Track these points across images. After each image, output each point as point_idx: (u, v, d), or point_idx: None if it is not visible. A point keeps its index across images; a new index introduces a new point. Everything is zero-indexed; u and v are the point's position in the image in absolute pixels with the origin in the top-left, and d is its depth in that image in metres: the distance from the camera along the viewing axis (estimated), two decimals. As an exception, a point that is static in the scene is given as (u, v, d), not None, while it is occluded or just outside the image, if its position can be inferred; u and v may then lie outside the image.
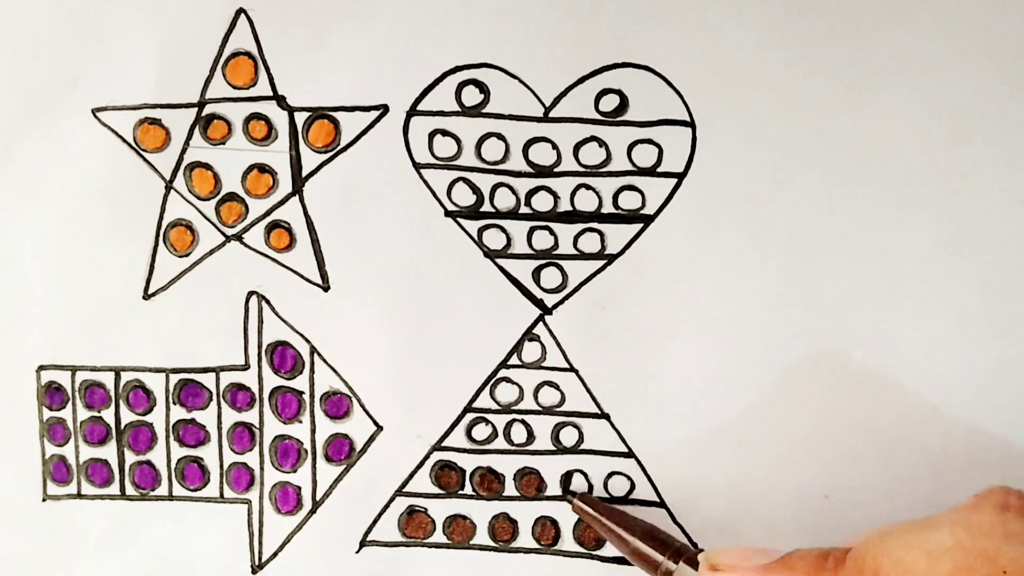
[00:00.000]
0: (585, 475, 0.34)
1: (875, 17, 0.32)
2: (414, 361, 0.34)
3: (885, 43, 0.32)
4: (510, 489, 0.34)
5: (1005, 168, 0.32)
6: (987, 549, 0.24)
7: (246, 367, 0.34)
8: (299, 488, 0.34)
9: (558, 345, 0.34)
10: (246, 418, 0.35)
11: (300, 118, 0.34)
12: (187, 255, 0.34)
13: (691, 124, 0.33)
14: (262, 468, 0.35)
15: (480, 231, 0.34)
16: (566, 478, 0.34)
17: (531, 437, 0.34)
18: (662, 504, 0.33)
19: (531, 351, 0.34)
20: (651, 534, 0.31)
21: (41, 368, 0.35)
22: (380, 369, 0.34)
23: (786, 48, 0.32)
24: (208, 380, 0.35)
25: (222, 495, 0.35)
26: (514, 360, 0.34)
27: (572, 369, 0.34)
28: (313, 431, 0.34)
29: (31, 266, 0.35)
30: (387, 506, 0.34)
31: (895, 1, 0.32)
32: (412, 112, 0.33)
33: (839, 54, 0.32)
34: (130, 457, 0.35)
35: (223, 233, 0.34)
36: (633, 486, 0.34)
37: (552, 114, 0.33)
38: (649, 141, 0.33)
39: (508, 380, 0.34)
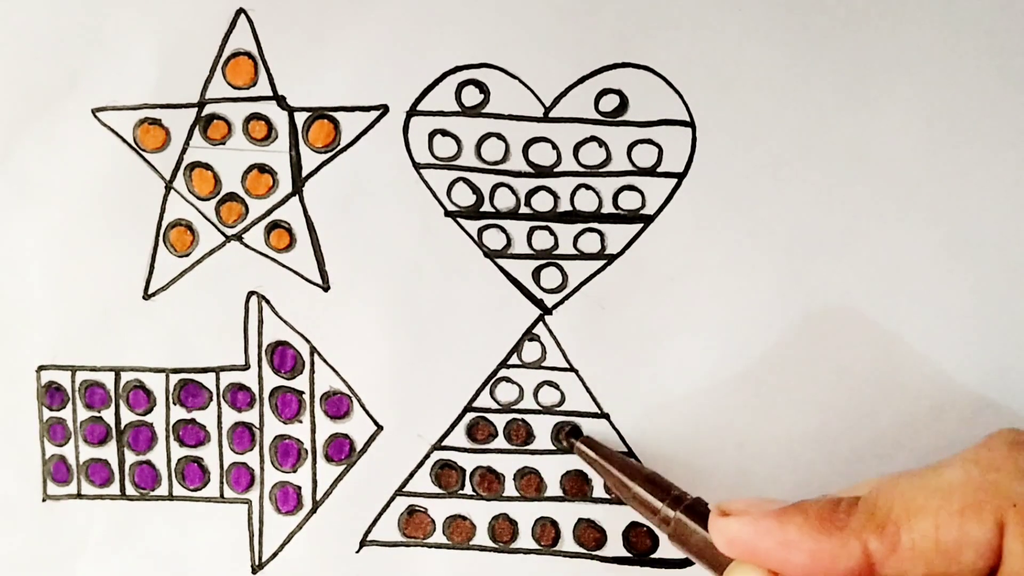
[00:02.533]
0: (518, 385, 0.34)
1: (875, 17, 0.32)
2: (414, 361, 0.34)
3: (885, 43, 0.32)
4: (510, 489, 0.34)
5: (1005, 168, 0.32)
6: (998, 483, 0.24)
7: (246, 367, 0.34)
8: (299, 488, 0.34)
9: (558, 345, 0.34)
10: (246, 418, 0.35)
11: (300, 118, 0.34)
12: (187, 255, 0.34)
13: (691, 124, 0.33)
14: (262, 468, 0.35)
15: (480, 231, 0.34)
16: (559, 429, 0.34)
17: (531, 437, 0.34)
18: (662, 504, 0.33)
19: (531, 351, 0.34)
20: (652, 480, 0.31)
21: (41, 368, 0.35)
22: (380, 369, 0.34)
23: (786, 48, 0.33)
24: (208, 380, 0.35)
25: (222, 495, 0.35)
26: (514, 360, 0.34)
27: (572, 369, 0.34)
28: (313, 431, 0.34)
29: (31, 266, 0.35)
30: (387, 506, 0.34)
31: (895, 1, 0.32)
32: (412, 112, 0.33)
33: (839, 54, 0.32)
34: (130, 457, 0.35)
35: (223, 233, 0.34)
36: (633, 486, 0.34)
37: (552, 114, 0.33)
38: (649, 141, 0.33)
39: (508, 380, 0.34)
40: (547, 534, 0.34)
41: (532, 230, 0.34)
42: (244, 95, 0.34)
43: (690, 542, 0.29)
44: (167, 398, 0.35)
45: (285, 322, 0.34)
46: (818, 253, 0.33)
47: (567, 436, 0.33)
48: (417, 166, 0.34)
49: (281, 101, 0.34)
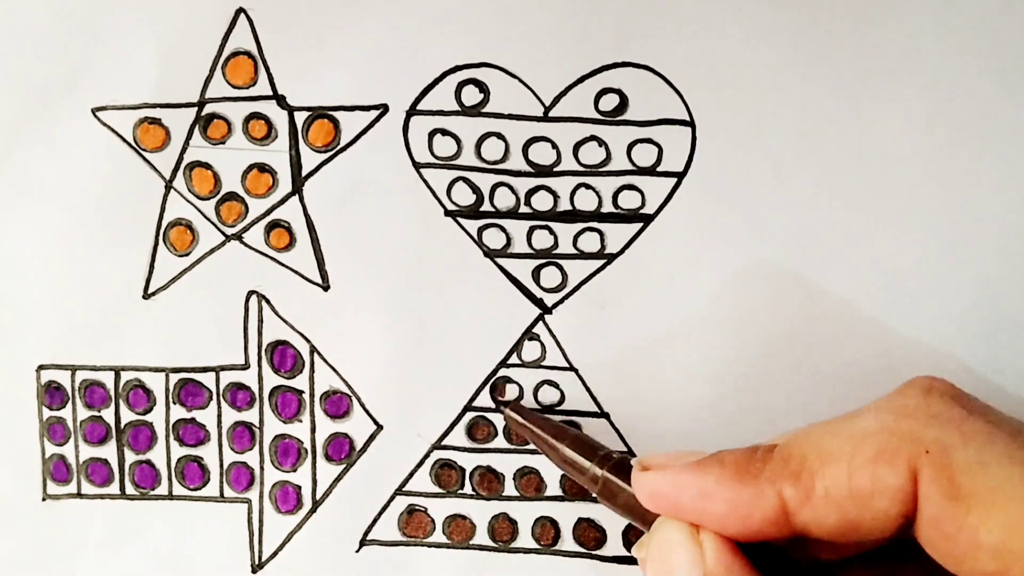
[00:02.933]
0: (518, 384, 0.34)
1: (875, 17, 0.32)
2: (414, 360, 0.34)
3: (885, 43, 0.32)
4: (510, 489, 0.34)
5: (1005, 168, 0.32)
6: (912, 430, 0.24)
7: (246, 366, 0.34)
8: (299, 487, 0.34)
9: (558, 344, 0.34)
10: (246, 417, 0.35)
11: (300, 118, 0.34)
12: (187, 255, 0.34)
13: (691, 124, 0.33)
14: (262, 467, 0.35)
15: (480, 230, 0.34)
16: (495, 387, 0.34)
17: (531, 437, 0.34)
18: (662, 504, 0.33)
19: (531, 350, 0.34)
20: (579, 440, 0.30)
21: (41, 367, 0.35)
22: (380, 368, 0.34)
23: (786, 48, 0.32)
24: (208, 379, 0.35)
25: (222, 494, 0.35)
26: (514, 359, 0.34)
27: (572, 368, 0.34)
28: (313, 430, 0.34)
29: (31, 266, 0.35)
30: (387, 505, 0.34)
31: (895, 1, 0.32)
32: (412, 112, 0.33)
33: (839, 54, 0.32)
34: (130, 456, 0.35)
35: (223, 233, 0.34)
36: (633, 486, 0.34)
37: (552, 114, 0.33)
38: (649, 140, 0.33)
39: (508, 379, 0.34)
40: (547, 534, 0.34)
41: (532, 229, 0.34)
42: (244, 95, 0.34)
43: (618, 499, 0.29)
44: (167, 397, 0.35)
45: (285, 321, 0.34)
46: (818, 253, 0.33)
47: (500, 402, 0.33)
48: (417, 165, 0.34)
49: (281, 100, 0.34)
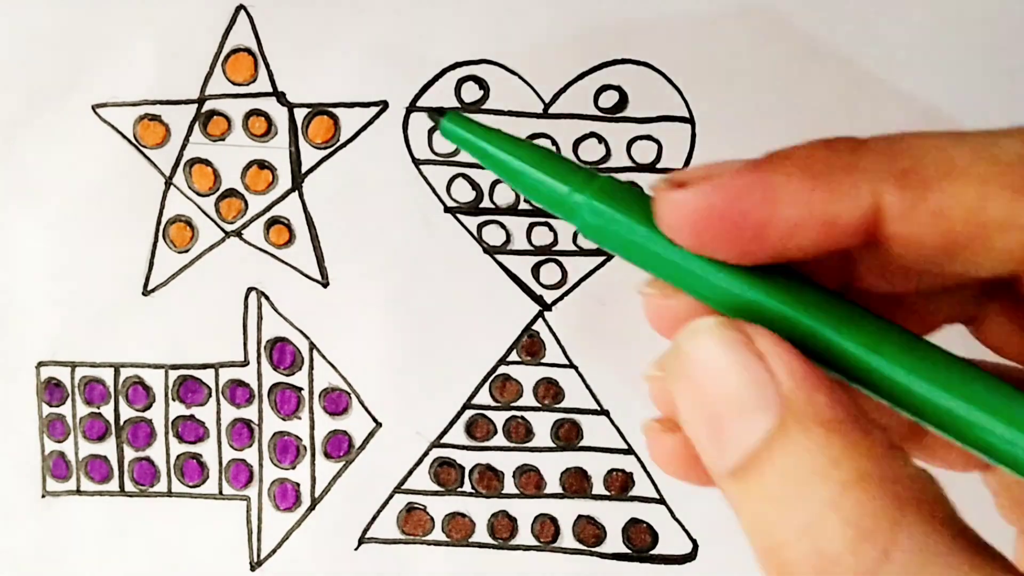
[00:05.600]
0: (518, 382, 0.34)
1: (875, 16, 0.32)
2: (413, 357, 0.34)
3: (885, 43, 0.32)
4: (509, 486, 0.34)
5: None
6: None
7: (245, 363, 0.34)
8: (298, 485, 0.34)
9: (557, 341, 0.34)
10: (245, 414, 0.35)
11: (300, 114, 0.34)
12: (187, 251, 0.34)
13: (690, 120, 0.33)
14: (261, 464, 0.35)
15: (480, 227, 0.34)
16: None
17: (530, 434, 0.34)
18: (662, 501, 0.33)
19: (530, 347, 0.34)
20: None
21: (40, 364, 0.35)
22: (379, 365, 0.34)
23: (786, 46, 0.32)
24: (207, 376, 0.35)
25: (221, 491, 0.35)
26: (513, 356, 0.34)
27: (571, 365, 0.34)
28: (312, 427, 0.34)
29: (31, 262, 0.35)
30: (386, 503, 0.34)
31: (895, 1, 0.32)
32: (412, 108, 0.33)
33: (839, 52, 0.32)
34: (129, 453, 0.35)
35: (223, 229, 0.34)
36: (632, 482, 0.33)
37: (552, 110, 0.33)
38: (648, 137, 0.33)
39: (507, 376, 0.34)
40: (546, 531, 0.34)
41: (531, 226, 0.34)
42: (244, 91, 0.34)
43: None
44: (166, 394, 0.35)
45: (284, 318, 0.34)
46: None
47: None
48: (417, 162, 0.34)
49: (281, 97, 0.34)
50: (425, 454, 0.34)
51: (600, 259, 0.33)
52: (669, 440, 0.22)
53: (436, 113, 0.23)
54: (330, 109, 0.34)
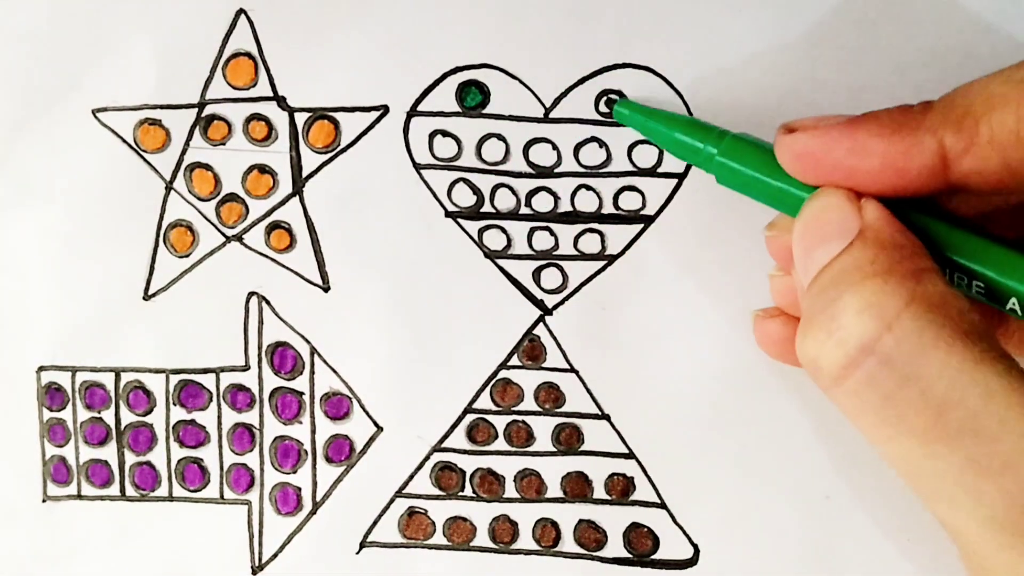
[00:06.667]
0: (519, 386, 0.34)
1: (875, 17, 0.32)
2: (414, 362, 0.34)
3: (885, 43, 0.32)
4: (510, 491, 0.34)
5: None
6: None
7: (246, 368, 0.34)
8: (299, 489, 0.34)
9: (558, 346, 0.34)
10: (246, 419, 0.35)
11: (300, 119, 0.34)
12: (187, 256, 0.34)
13: (691, 124, 0.33)
14: (262, 469, 0.35)
15: (480, 232, 0.34)
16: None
17: (531, 438, 0.34)
18: (662, 505, 0.33)
19: (531, 352, 0.34)
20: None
21: (41, 369, 0.35)
22: (380, 370, 0.34)
23: (786, 48, 0.32)
24: (208, 381, 0.35)
25: (222, 496, 0.35)
26: (514, 361, 0.34)
27: (572, 370, 0.34)
28: (313, 432, 0.34)
29: (31, 267, 0.35)
30: (387, 507, 0.34)
31: (895, 1, 0.32)
32: (412, 113, 0.33)
33: (839, 54, 0.32)
34: (130, 458, 0.35)
35: (223, 234, 0.34)
36: (634, 487, 0.33)
37: (552, 115, 0.33)
38: (649, 141, 0.33)
39: (508, 381, 0.34)
40: (548, 535, 0.34)
41: (532, 231, 0.34)
42: (244, 96, 0.34)
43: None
44: (167, 399, 0.35)
45: (285, 323, 0.34)
46: (819, 253, 0.33)
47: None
48: (417, 167, 0.34)
49: (281, 102, 0.34)
50: (426, 458, 0.34)
51: (601, 264, 0.33)
52: (771, 324, 0.29)
53: (610, 100, 0.32)
54: (331, 113, 0.34)
